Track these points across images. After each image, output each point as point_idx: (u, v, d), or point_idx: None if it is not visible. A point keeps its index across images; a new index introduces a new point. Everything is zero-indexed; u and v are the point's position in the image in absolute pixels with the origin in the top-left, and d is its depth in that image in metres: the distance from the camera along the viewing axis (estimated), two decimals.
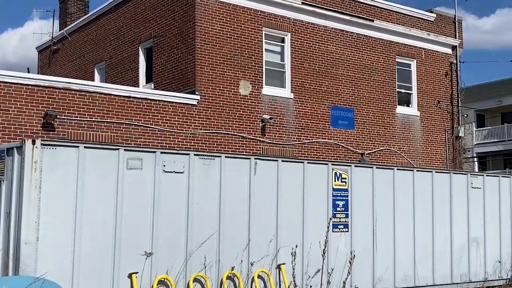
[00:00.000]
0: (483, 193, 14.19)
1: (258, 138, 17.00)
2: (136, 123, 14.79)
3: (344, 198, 11.71)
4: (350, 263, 10.64)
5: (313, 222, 11.11)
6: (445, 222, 13.32)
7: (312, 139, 18.14)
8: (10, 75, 13.34)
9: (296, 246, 10.49)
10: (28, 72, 21.44)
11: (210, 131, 16.10)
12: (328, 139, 18.50)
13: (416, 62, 21.21)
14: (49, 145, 8.67)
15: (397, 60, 20.69)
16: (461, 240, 13.58)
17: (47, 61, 24.42)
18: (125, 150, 9.34)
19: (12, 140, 12.56)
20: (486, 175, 14.69)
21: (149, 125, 15.00)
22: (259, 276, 10.39)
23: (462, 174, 14.22)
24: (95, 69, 21.15)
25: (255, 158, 10.69)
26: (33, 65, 25.90)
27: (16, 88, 13.30)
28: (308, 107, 18.20)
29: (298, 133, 17.88)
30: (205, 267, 9.70)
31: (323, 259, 10.36)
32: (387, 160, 19.71)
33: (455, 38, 22.39)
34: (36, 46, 25.56)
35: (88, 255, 8.75)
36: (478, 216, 14.03)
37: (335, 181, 11.62)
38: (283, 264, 10.58)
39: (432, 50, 21.72)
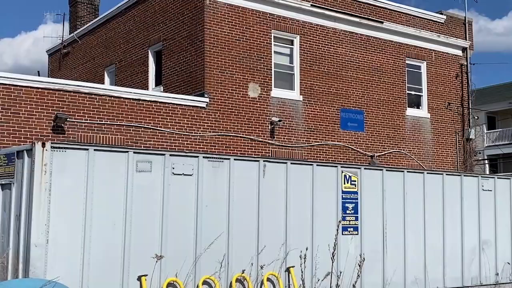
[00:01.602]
0: (494, 195, 14.10)
1: (267, 141, 16.98)
2: (145, 126, 14.82)
3: (354, 200, 11.66)
4: (359, 265, 10.58)
5: (322, 224, 11.08)
6: (455, 224, 13.23)
7: (321, 142, 18.10)
8: (20, 78, 13.42)
9: (306, 249, 10.46)
10: (39, 75, 21.59)
11: (219, 133, 16.10)
12: (337, 141, 18.45)
13: (426, 64, 21.12)
14: (59, 147, 8.70)
15: (407, 62, 20.60)
16: (472, 242, 13.49)
17: (57, 64, 24.55)
18: (134, 152, 9.36)
19: (22, 143, 12.62)
20: (497, 178, 14.59)
21: (159, 128, 15.03)
22: (268, 279, 10.37)
23: (473, 176, 14.12)
24: (105, 72, 21.23)
25: (264, 161, 10.68)
26: (46, 68, 26.06)
27: (26, 91, 13.37)
28: (317, 109, 18.16)
29: (307, 136, 17.85)
30: (213, 268, 9.69)
31: (333, 262, 10.30)
32: (397, 163, 19.62)
33: (466, 39, 22.28)
34: (46, 50, 25.70)
35: (97, 257, 8.76)
36: (489, 218, 13.93)
37: (344, 183, 11.58)
38: (293, 267, 10.55)
39: (442, 52, 21.62)
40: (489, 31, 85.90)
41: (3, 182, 9.13)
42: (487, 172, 34.33)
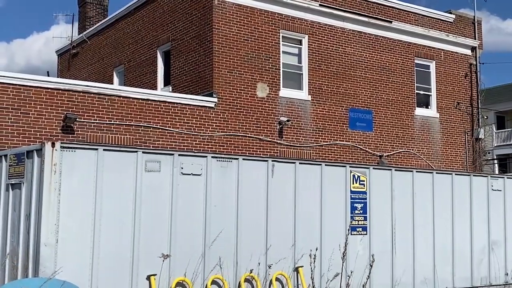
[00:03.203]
0: (504, 195, 14.03)
1: (275, 140, 16.98)
2: (154, 126, 14.86)
3: (363, 200, 11.64)
4: (371, 266, 10.56)
5: (331, 224, 11.06)
6: (465, 224, 13.18)
7: (329, 141, 18.08)
8: (30, 79, 13.49)
9: (316, 249, 10.45)
10: (48, 75, 21.70)
11: (228, 133, 16.12)
12: (346, 141, 18.42)
13: (435, 64, 21.04)
14: (68, 147, 8.74)
15: (415, 61, 20.54)
16: (481, 242, 13.43)
17: (66, 64, 24.65)
18: (143, 152, 9.39)
19: (32, 143, 12.69)
20: (507, 177, 14.51)
21: (167, 128, 15.06)
22: (277, 279, 10.37)
23: (482, 176, 14.06)
24: (114, 73, 21.30)
25: (272, 160, 10.68)
26: (56, 69, 26.14)
27: (36, 91, 13.44)
28: (325, 109, 18.14)
29: (316, 135, 17.84)
30: (221, 268, 9.70)
31: (343, 262, 10.29)
32: (406, 162, 19.56)
33: (475, 39, 22.18)
34: (55, 50, 25.81)
35: (106, 257, 8.80)
36: (499, 218, 13.86)
37: (353, 183, 11.56)
38: (301, 267, 10.54)
39: (451, 51, 21.53)
40: (500, 31, 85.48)
41: (13, 182, 9.19)
42: (497, 172, 34.14)
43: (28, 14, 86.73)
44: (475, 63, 22.06)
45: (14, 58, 74.30)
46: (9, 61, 70.99)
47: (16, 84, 13.24)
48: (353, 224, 11.37)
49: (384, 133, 19.36)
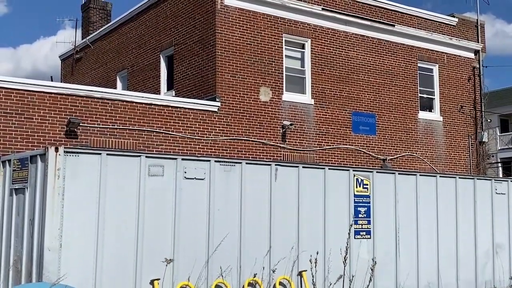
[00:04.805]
0: (508, 198, 14.01)
1: (278, 144, 16.98)
2: (157, 130, 14.88)
3: (366, 204, 11.63)
4: (372, 269, 10.52)
5: (334, 228, 11.05)
6: (469, 228, 13.16)
7: (333, 145, 18.07)
8: (33, 84, 13.53)
9: (317, 253, 10.42)
10: (52, 80, 21.77)
11: (231, 137, 16.12)
12: (349, 145, 18.41)
13: (438, 67, 21.03)
14: (72, 152, 8.76)
15: (419, 65, 20.53)
16: (486, 246, 13.40)
17: (70, 69, 24.72)
18: (146, 157, 9.40)
19: (35, 148, 12.71)
20: (511, 181, 14.48)
21: (170, 132, 15.08)
22: (280, 283, 10.36)
23: (486, 179, 14.05)
24: (117, 77, 21.34)
25: (275, 164, 10.68)
26: (59, 74, 26.21)
27: (39, 96, 13.47)
28: (328, 113, 18.14)
29: (319, 139, 17.82)
30: (222, 275, 9.69)
31: (345, 266, 10.27)
32: (410, 166, 19.53)
33: (478, 42, 22.15)
34: (59, 55, 25.88)
35: (110, 261, 8.80)
36: (503, 221, 13.84)
37: (356, 187, 11.55)
38: (305, 271, 10.53)
39: (455, 55, 21.52)
40: (505, 34, 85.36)
41: (16, 187, 9.21)
42: (500, 175, 34.05)
43: (35, 18, 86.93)
44: (478, 66, 22.04)
45: (20, 63, 74.46)
46: (15, 66, 71.14)
47: (19, 89, 13.27)
48: (356, 228, 11.36)
49: (388, 136, 19.35)
